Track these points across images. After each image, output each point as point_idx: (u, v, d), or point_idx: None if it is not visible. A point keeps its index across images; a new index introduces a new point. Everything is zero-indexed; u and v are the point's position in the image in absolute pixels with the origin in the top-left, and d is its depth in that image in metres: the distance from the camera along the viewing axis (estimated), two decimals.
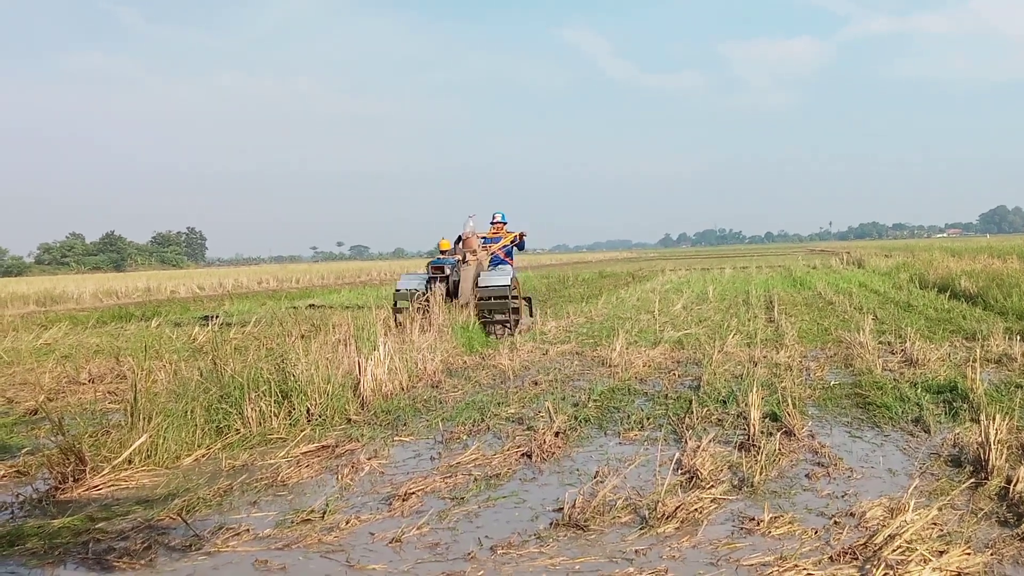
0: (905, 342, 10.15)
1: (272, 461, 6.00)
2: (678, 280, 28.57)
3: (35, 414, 8.00)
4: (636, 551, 4.18)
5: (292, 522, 4.70)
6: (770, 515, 4.51)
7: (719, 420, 6.79)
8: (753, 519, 4.51)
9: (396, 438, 6.63)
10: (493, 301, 13.07)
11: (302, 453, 6.15)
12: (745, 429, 6.35)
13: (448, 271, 13.15)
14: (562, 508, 4.73)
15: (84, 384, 9.51)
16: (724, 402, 7.37)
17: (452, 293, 13.04)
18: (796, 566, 3.87)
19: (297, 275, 45.21)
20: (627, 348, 10.65)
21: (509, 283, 13.17)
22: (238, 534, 4.54)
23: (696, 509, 4.65)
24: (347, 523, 4.68)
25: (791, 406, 6.89)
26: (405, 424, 7.11)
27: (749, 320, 14.00)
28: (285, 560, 4.22)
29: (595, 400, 7.71)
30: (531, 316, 15.09)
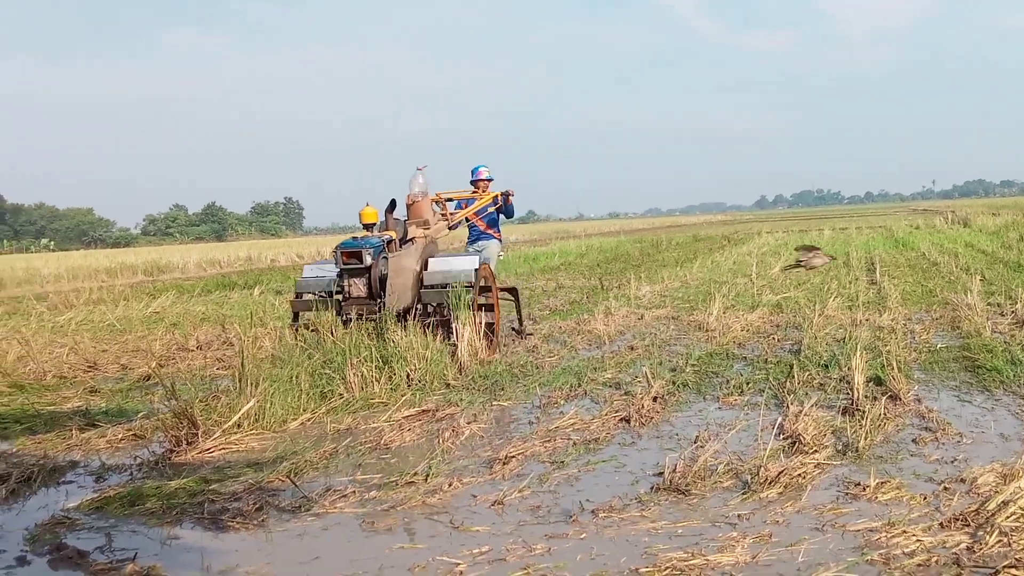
0: (1016, 303, 9.79)
1: (375, 425, 6.12)
2: (775, 242, 28.05)
3: (148, 380, 8.32)
4: (739, 516, 4.16)
5: (396, 484, 4.80)
6: (876, 480, 4.43)
7: (821, 384, 6.67)
8: (859, 484, 4.44)
9: (494, 403, 6.71)
10: (437, 293, 8.32)
11: (403, 417, 6.26)
12: (848, 393, 6.23)
13: (369, 259, 8.08)
14: (662, 473, 4.72)
15: (192, 351, 9.84)
16: (826, 366, 7.23)
17: (378, 293, 8.16)
18: (905, 532, 3.79)
19: None
20: (724, 312, 10.52)
21: (472, 268, 8.46)
22: (344, 496, 4.66)
23: (799, 474, 4.60)
24: (449, 485, 4.76)
25: (896, 370, 6.73)
26: (503, 389, 7.17)
27: (850, 282, 13.68)
28: (390, 522, 4.32)
29: (693, 365, 7.66)
30: (519, 324, 10.09)
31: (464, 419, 6.14)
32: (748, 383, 6.88)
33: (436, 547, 3.95)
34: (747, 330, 9.45)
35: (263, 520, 4.37)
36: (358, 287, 8.05)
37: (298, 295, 8.42)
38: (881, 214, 71.81)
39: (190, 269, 31.44)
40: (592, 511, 4.29)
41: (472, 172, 11.38)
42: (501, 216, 11.23)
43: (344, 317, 8.05)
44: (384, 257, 8.22)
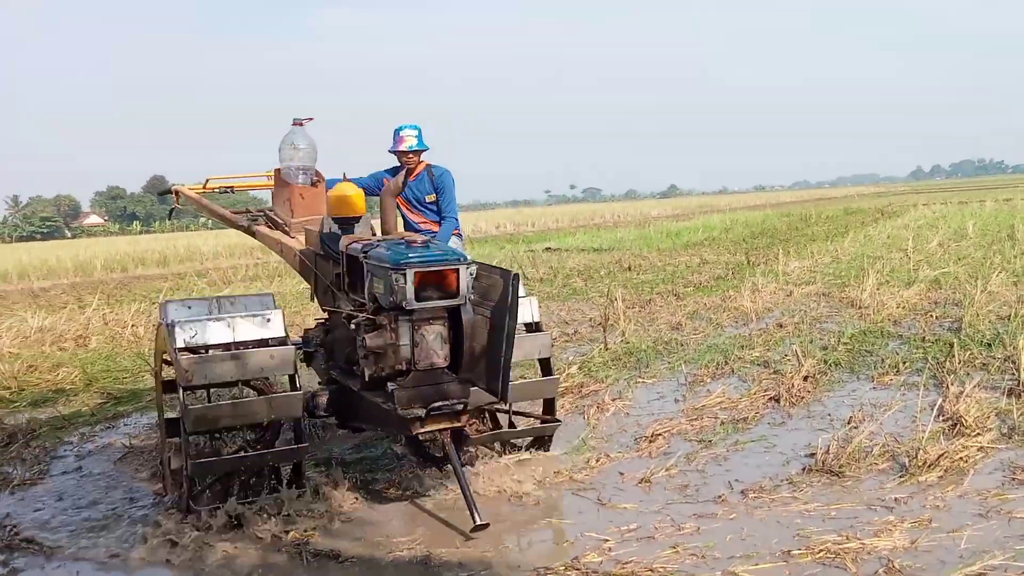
0: None
1: None
2: (932, 215, 26.80)
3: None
4: (896, 499, 4.03)
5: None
6: None
7: (984, 364, 6.36)
8: None
9: (639, 380, 6.67)
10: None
11: None
12: (1014, 374, 5.91)
13: (464, 289, 4.00)
14: (815, 453, 4.61)
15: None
16: (989, 345, 6.89)
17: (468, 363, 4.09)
18: None
19: (532, 219, 45.97)
20: (878, 288, 10.13)
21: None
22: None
23: (961, 458, 4.41)
24: (597, 461, 4.78)
25: None
26: (647, 366, 7.13)
27: (1015, 257, 12.95)
28: (539, 495, 4.37)
29: (845, 343, 7.42)
30: (552, 414, 4.92)
31: (609, 396, 6.14)
32: (905, 362, 6.62)
33: (583, 523, 3.98)
34: (903, 307, 9.08)
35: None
36: (432, 350, 4.01)
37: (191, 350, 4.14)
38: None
39: None
40: (741, 491, 4.23)
41: (393, 135, 6.25)
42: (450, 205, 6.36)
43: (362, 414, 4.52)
44: None
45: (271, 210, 5.67)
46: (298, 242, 5.29)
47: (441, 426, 4.05)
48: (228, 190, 6.52)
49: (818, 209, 39.59)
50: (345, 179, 5.29)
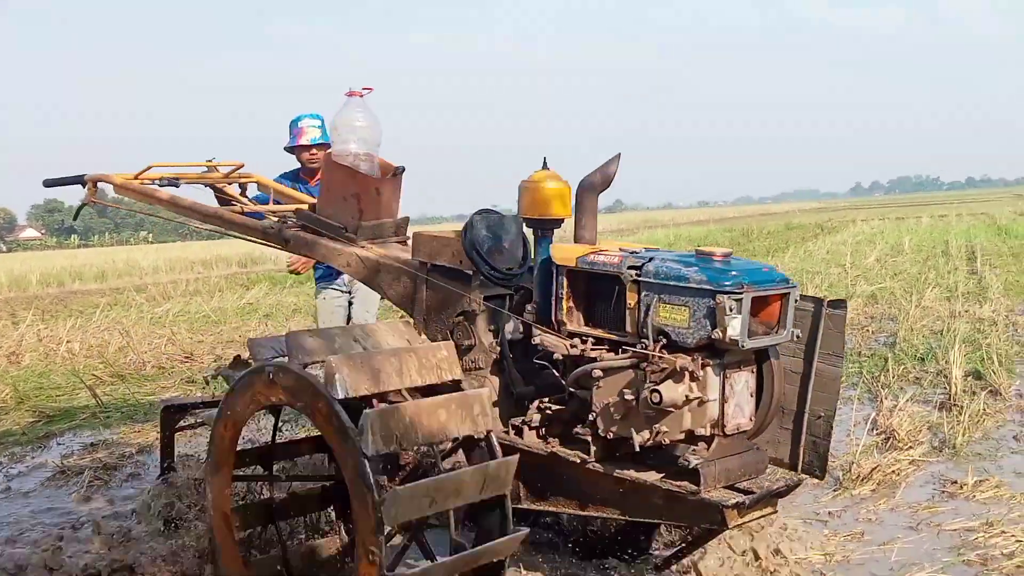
0: None
1: None
2: (870, 231, 27.33)
3: None
4: (830, 513, 4.09)
5: None
6: (974, 479, 4.30)
7: (917, 378, 6.50)
8: (956, 482, 4.32)
9: None
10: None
11: None
12: (946, 388, 6.04)
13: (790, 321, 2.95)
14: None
15: None
16: (922, 359, 7.03)
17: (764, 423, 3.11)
18: (1004, 532, 3.68)
19: None
20: None
21: None
22: None
23: (893, 471, 4.49)
24: None
25: (996, 364, 6.50)
26: None
27: (949, 272, 13.26)
28: None
29: None
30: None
31: None
32: (841, 376, 6.71)
33: None
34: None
35: None
36: (740, 406, 3.00)
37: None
38: (984, 200, 69.40)
39: (281, 260, 32.00)
40: None
41: (290, 127, 5.55)
42: None
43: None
44: None
45: (312, 209, 3.89)
46: (382, 253, 3.72)
47: (762, 514, 2.98)
48: (172, 182, 4.39)
49: (760, 224, 40.21)
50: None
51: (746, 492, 2.89)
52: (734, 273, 2.84)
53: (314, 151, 5.36)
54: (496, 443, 2.90)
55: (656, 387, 2.78)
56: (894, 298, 10.62)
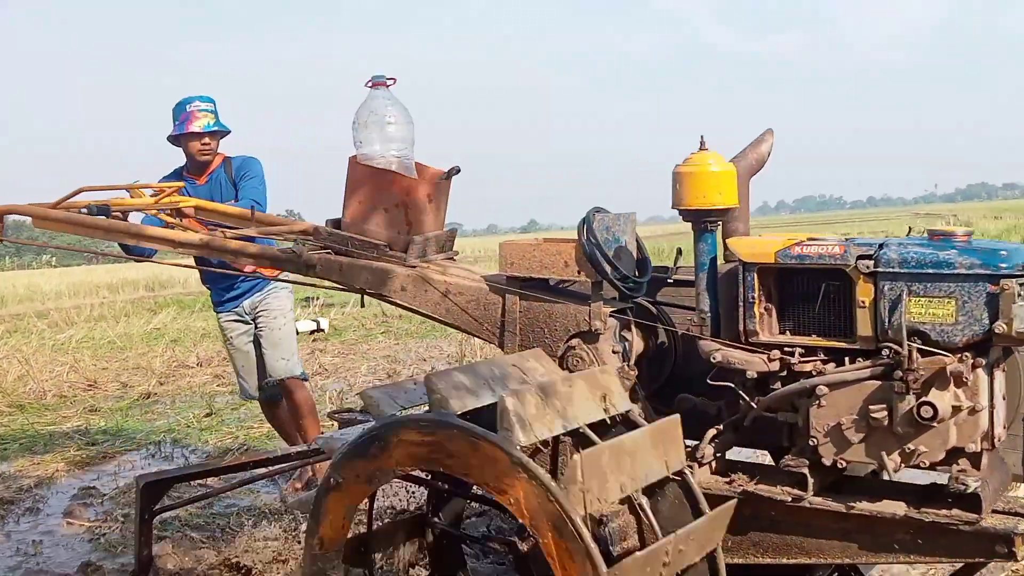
0: None
1: None
2: None
3: (148, 398, 8.30)
4: None
5: None
6: None
7: None
8: None
9: None
10: None
11: None
12: None
13: None
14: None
15: (193, 368, 9.83)
16: None
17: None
18: None
19: None
20: None
21: None
22: None
23: None
24: None
25: None
26: None
27: None
28: None
29: None
30: None
31: None
32: None
33: None
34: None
35: None
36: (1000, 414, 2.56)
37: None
38: (883, 219, 71.72)
39: (191, 284, 31.39)
40: None
41: (175, 113, 4.79)
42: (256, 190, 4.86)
43: None
44: None
45: (335, 226, 3.23)
46: (449, 272, 3.07)
47: None
48: (102, 210, 3.37)
49: (672, 243, 40.77)
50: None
51: (1011, 513, 2.48)
52: (1006, 253, 2.38)
53: (207, 140, 4.63)
54: (695, 483, 2.41)
55: (926, 399, 2.34)
56: None
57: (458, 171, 3.18)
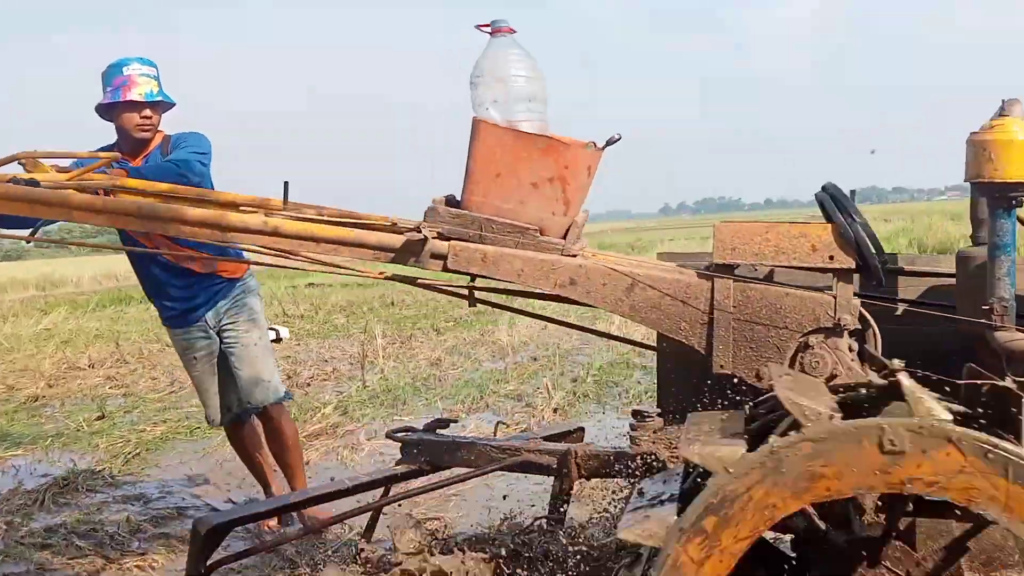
0: None
1: None
2: (677, 249, 28.49)
3: (36, 401, 8.03)
4: None
5: None
6: None
7: None
8: None
9: (396, 417, 6.65)
10: None
11: (304, 436, 6.17)
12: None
13: None
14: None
15: (84, 370, 9.54)
16: None
17: None
18: None
19: None
20: (626, 321, 10.63)
21: None
22: None
23: None
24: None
25: None
26: (405, 403, 7.13)
27: None
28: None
29: (594, 375, 7.73)
30: None
31: (364, 435, 6.09)
32: (647, 392, 6.97)
33: None
34: (648, 338, 9.56)
35: None
36: None
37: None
38: (781, 220, 73.58)
39: (84, 283, 30.46)
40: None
41: (107, 77, 3.87)
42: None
43: None
44: None
45: (452, 205, 2.57)
46: (619, 261, 2.65)
47: None
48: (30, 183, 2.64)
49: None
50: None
51: None
52: None
53: (147, 113, 3.78)
54: None
55: None
56: None
57: (618, 139, 2.55)
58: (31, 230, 3.29)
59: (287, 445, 4.41)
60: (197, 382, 4.36)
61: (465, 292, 2.82)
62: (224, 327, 4.21)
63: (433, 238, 2.47)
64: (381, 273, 2.90)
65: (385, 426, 6.36)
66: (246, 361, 4.20)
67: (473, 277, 2.63)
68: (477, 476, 3.12)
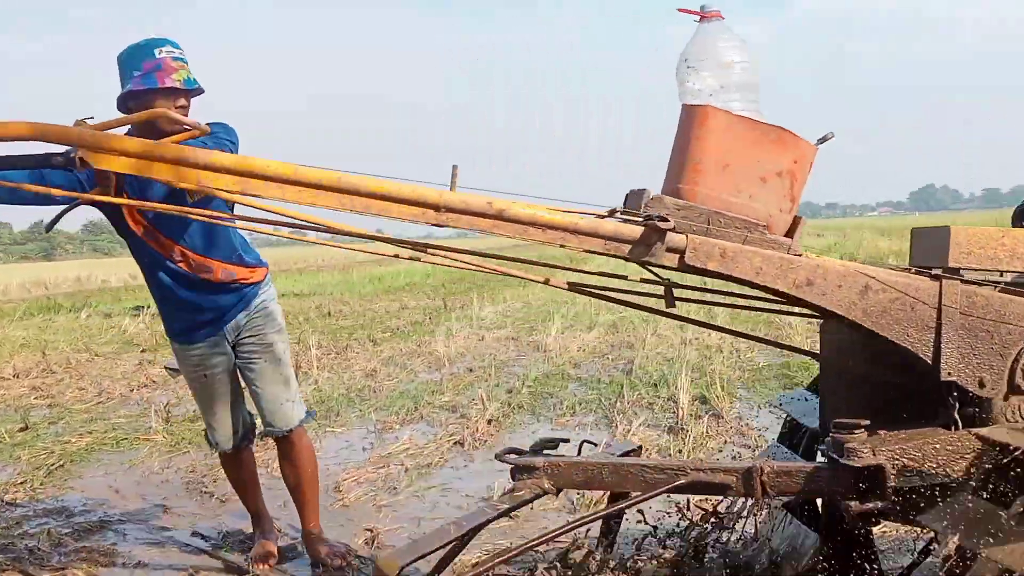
0: None
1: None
2: (615, 263, 28.65)
3: None
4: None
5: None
6: (700, 497, 4.57)
7: (650, 404, 6.86)
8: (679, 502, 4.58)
9: (328, 429, 6.60)
10: None
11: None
12: (675, 412, 6.43)
13: None
14: (492, 496, 4.75)
15: (8, 379, 9.30)
16: (655, 385, 7.45)
17: None
18: None
19: None
20: (562, 332, 10.71)
21: None
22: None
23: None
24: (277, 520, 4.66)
25: (720, 388, 6.99)
26: (338, 415, 7.07)
27: (683, 303, 14.11)
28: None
29: (529, 386, 7.74)
30: None
31: None
32: (581, 403, 7.01)
33: None
34: (583, 350, 9.64)
35: None
36: None
37: None
38: None
39: (12, 291, 29.72)
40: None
41: (133, 60, 3.26)
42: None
43: None
44: None
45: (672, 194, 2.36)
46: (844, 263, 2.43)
47: None
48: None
49: (514, 253, 41.14)
50: None
51: None
52: None
53: (183, 103, 3.29)
54: None
55: None
56: (633, 327, 11.20)
57: (832, 137, 2.40)
58: (48, 223, 3.05)
59: (305, 476, 3.90)
60: (207, 403, 3.81)
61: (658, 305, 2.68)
62: (243, 340, 3.71)
63: (670, 230, 2.25)
64: (566, 283, 2.76)
65: (317, 437, 6.32)
66: (269, 379, 3.74)
67: (669, 284, 2.62)
68: (647, 499, 2.52)
